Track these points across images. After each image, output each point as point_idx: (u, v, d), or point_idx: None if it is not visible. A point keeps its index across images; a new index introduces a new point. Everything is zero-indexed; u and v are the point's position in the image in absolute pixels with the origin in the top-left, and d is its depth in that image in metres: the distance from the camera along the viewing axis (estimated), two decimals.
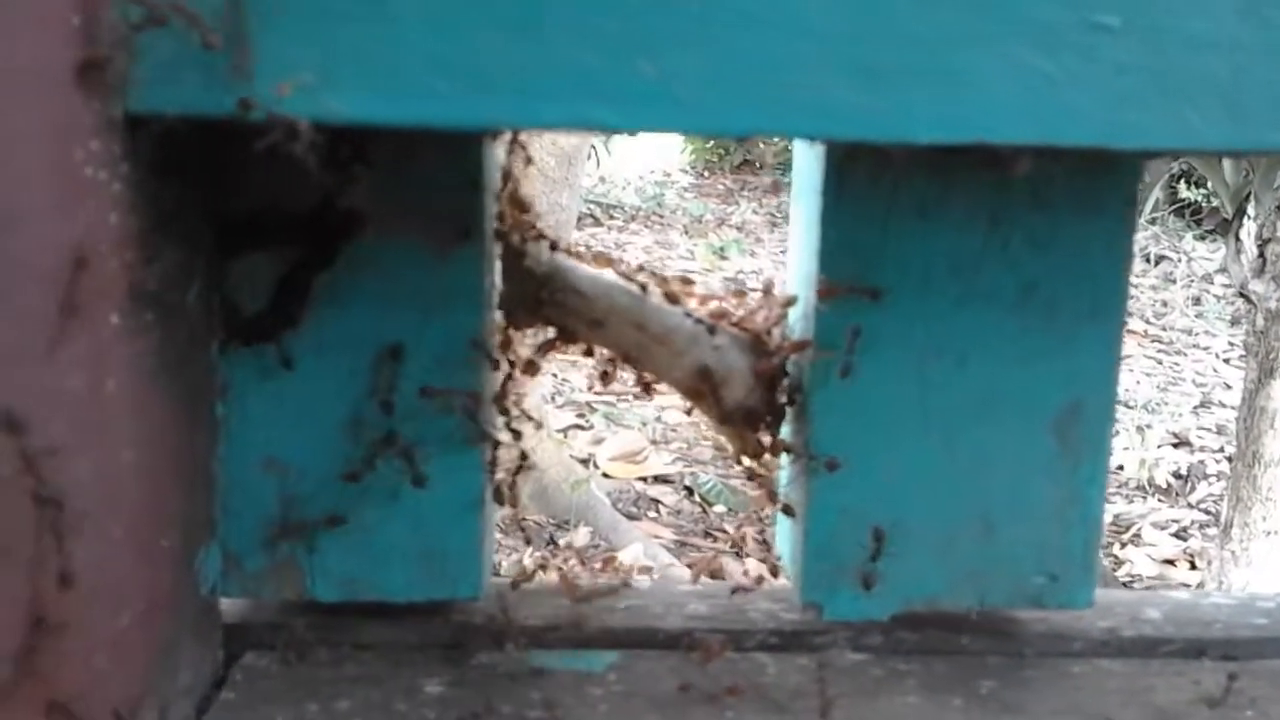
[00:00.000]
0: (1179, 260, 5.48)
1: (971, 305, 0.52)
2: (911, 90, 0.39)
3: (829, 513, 0.54)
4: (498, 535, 2.62)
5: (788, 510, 0.55)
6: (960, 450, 0.54)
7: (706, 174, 6.81)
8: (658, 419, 3.31)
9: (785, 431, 0.57)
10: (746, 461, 0.57)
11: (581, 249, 0.58)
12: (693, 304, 0.57)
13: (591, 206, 5.64)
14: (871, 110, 0.39)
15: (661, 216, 5.88)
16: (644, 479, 3.07)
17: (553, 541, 2.71)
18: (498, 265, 0.54)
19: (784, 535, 0.59)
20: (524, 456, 0.56)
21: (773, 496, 0.56)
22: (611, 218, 5.73)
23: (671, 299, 0.55)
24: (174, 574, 0.45)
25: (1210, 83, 0.40)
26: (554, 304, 0.55)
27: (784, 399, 0.56)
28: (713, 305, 0.57)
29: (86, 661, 0.38)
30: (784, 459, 0.57)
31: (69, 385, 0.36)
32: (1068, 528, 0.55)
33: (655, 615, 0.56)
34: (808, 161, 0.54)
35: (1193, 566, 2.86)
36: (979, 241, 0.51)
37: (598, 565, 0.61)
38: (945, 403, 0.53)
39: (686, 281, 0.56)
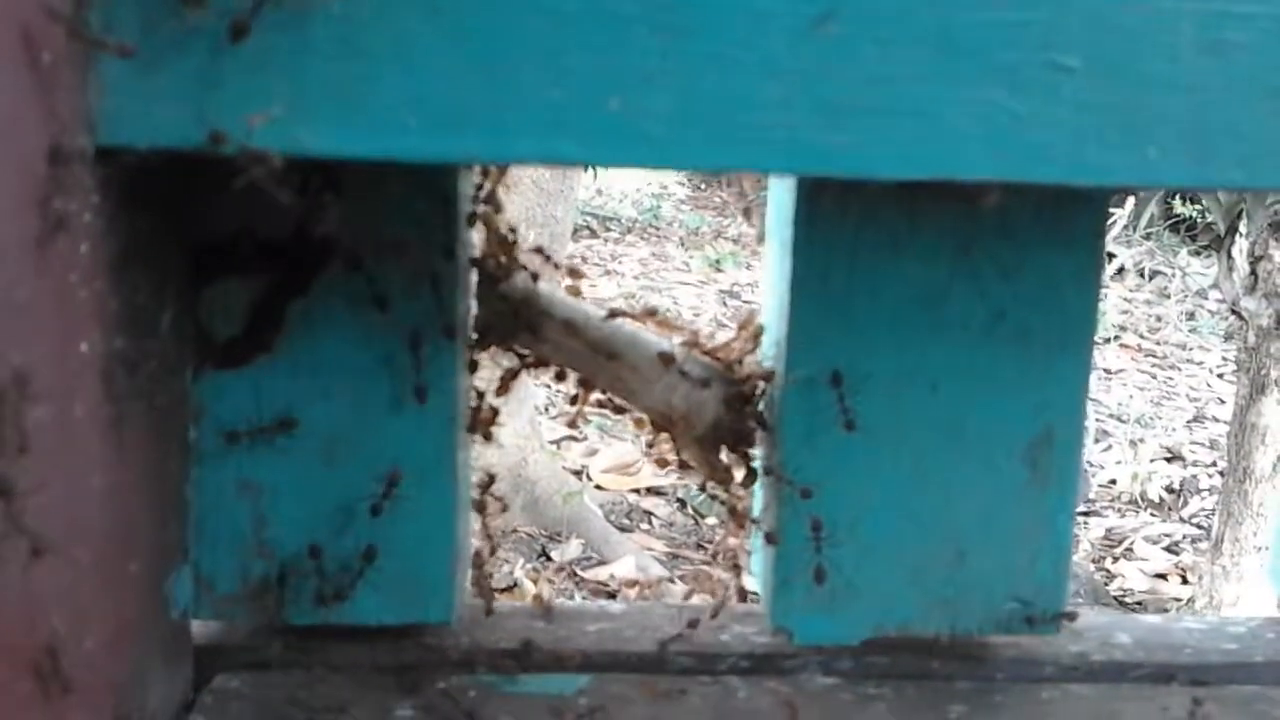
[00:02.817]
0: (1173, 275, 5.49)
1: (942, 334, 0.52)
2: (878, 128, 0.40)
3: (799, 538, 0.54)
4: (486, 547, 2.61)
5: (770, 539, 0.55)
6: (931, 477, 0.54)
7: (703, 186, 6.83)
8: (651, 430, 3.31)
9: (757, 459, 0.57)
10: (713, 488, 0.57)
11: (576, 260, 0.59)
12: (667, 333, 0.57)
13: (588, 218, 5.65)
14: (839, 147, 0.40)
15: (658, 229, 5.89)
16: (637, 491, 3.07)
17: (544, 554, 2.70)
18: (473, 290, 0.55)
19: (756, 560, 0.59)
20: (492, 479, 0.56)
21: (739, 521, 0.57)
22: (608, 230, 5.74)
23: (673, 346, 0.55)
24: (143, 598, 0.45)
25: (1171, 121, 0.41)
26: (527, 329, 0.56)
27: (753, 428, 0.56)
28: (685, 334, 0.57)
29: (51, 688, 0.38)
30: (757, 486, 0.57)
31: (36, 413, 0.36)
32: (1038, 554, 0.55)
33: (627, 638, 0.56)
34: (780, 192, 0.55)
35: (1184, 581, 2.87)
36: (949, 271, 0.52)
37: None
38: (916, 430, 0.53)
39: (651, 313, 0.57)
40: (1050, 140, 0.40)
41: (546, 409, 3.33)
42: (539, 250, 0.55)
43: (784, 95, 0.39)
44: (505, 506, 0.58)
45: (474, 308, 0.55)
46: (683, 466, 0.60)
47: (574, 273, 0.58)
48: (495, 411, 0.56)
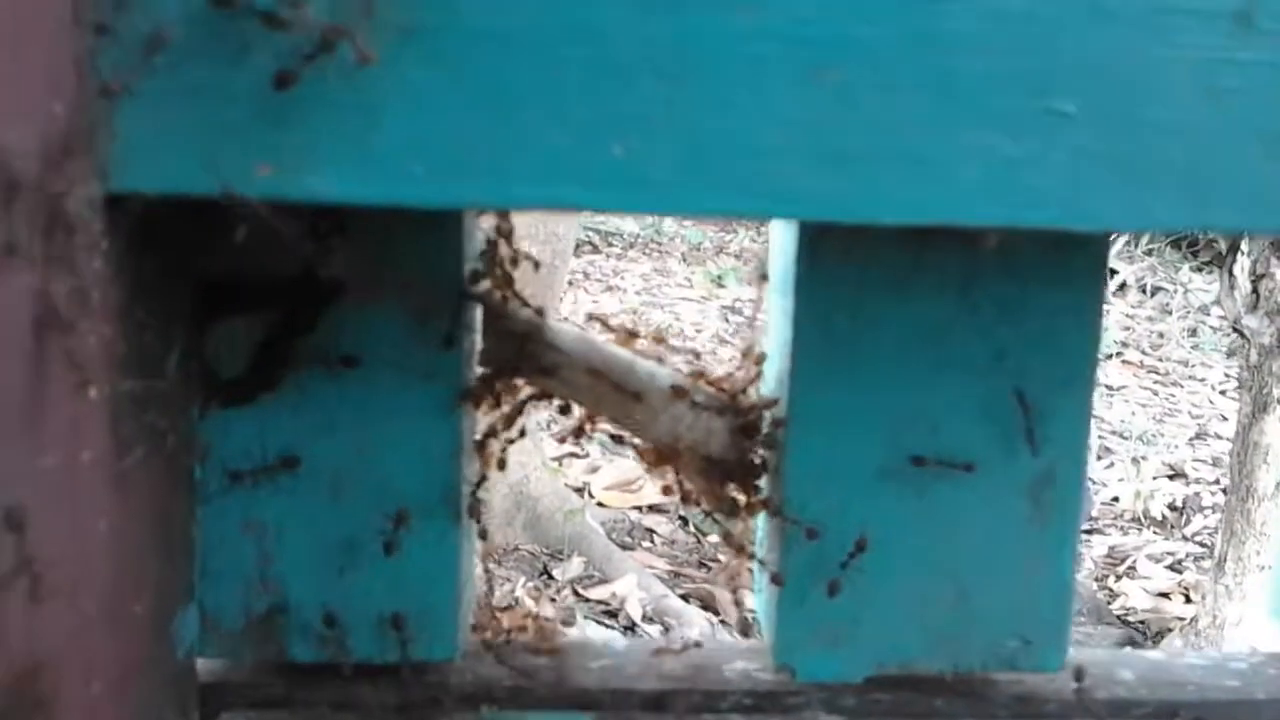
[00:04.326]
0: (1175, 292, 5.50)
1: (944, 373, 0.53)
2: (878, 174, 0.40)
3: (803, 575, 0.54)
4: (489, 565, 2.61)
5: (776, 579, 0.55)
6: (934, 515, 0.54)
7: None
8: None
9: (763, 490, 0.57)
10: (720, 519, 0.57)
11: (578, 276, 0.59)
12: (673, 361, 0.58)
13: (590, 234, 5.66)
14: (839, 193, 0.40)
15: (659, 244, 5.90)
16: (639, 508, 3.06)
17: (546, 572, 2.70)
18: (478, 326, 0.55)
19: (759, 596, 0.59)
20: (482, 477, 0.56)
21: (743, 551, 0.57)
22: (610, 245, 5.75)
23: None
24: (149, 639, 0.45)
25: (1168, 166, 0.41)
26: (532, 362, 0.56)
27: (759, 459, 0.56)
28: (690, 364, 0.58)
29: None
30: (760, 520, 0.57)
31: (44, 461, 0.37)
32: (1040, 591, 0.55)
33: (630, 676, 0.56)
34: (781, 230, 0.55)
35: (1187, 600, 2.86)
36: (950, 310, 0.52)
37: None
38: (919, 468, 0.53)
39: (633, 335, 0.57)
40: (1048, 185, 0.41)
41: (549, 425, 3.33)
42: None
43: (785, 142, 0.40)
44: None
45: (479, 342, 0.55)
46: (685, 500, 0.60)
47: (539, 312, 0.58)
48: (504, 453, 0.56)
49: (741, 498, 0.57)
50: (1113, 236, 0.55)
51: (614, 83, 0.39)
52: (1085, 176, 0.41)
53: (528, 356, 0.56)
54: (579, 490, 3.08)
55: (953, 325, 0.52)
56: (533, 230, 2.68)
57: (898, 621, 0.55)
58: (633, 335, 0.59)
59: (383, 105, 0.39)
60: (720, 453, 0.56)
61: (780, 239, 0.55)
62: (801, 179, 0.40)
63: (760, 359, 0.57)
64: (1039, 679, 0.57)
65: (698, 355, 0.59)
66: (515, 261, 0.57)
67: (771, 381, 0.56)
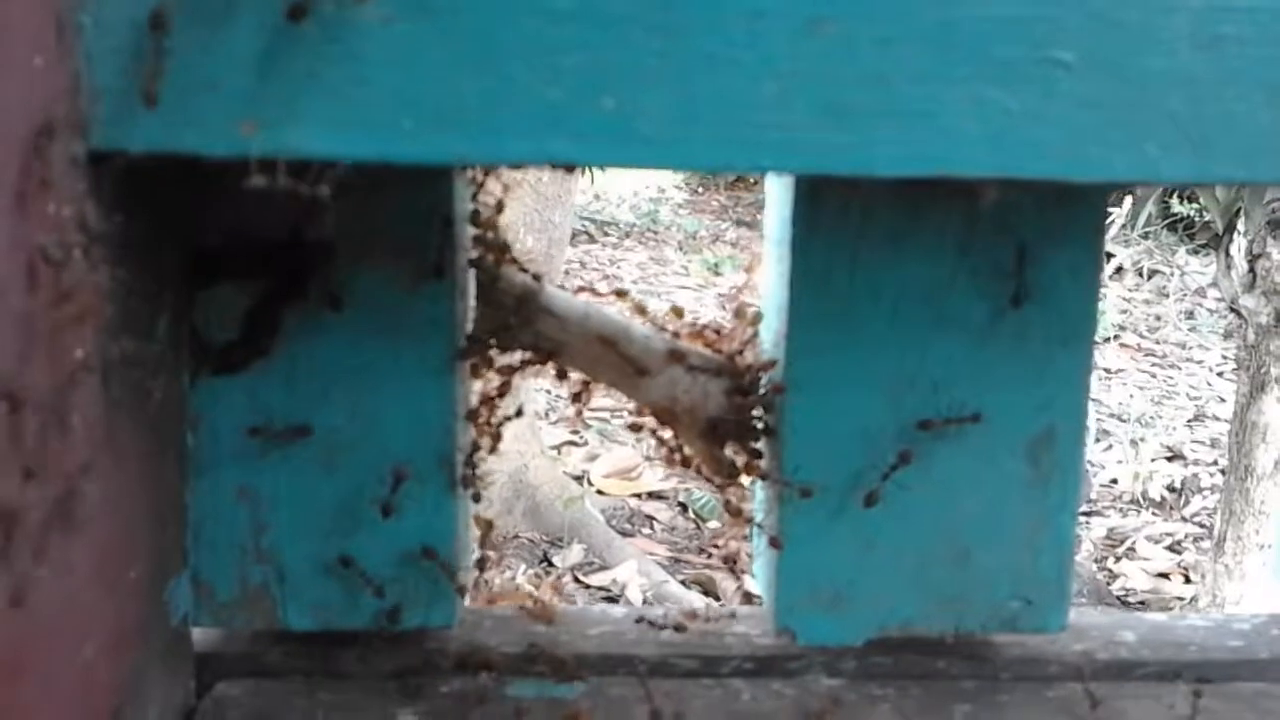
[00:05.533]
0: (1172, 274, 5.49)
1: (943, 332, 0.52)
2: (875, 126, 0.40)
3: (802, 538, 0.54)
4: (489, 553, 2.61)
5: (775, 543, 0.55)
6: (933, 475, 0.54)
7: (701, 190, 6.83)
8: (653, 434, 3.30)
9: (759, 454, 0.57)
10: (719, 484, 0.57)
11: (574, 265, 0.59)
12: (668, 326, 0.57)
13: (586, 223, 5.65)
14: (836, 146, 0.40)
15: (656, 233, 5.89)
16: (638, 495, 3.06)
17: (546, 559, 2.70)
18: (471, 292, 0.55)
19: (759, 561, 0.59)
20: (477, 447, 0.56)
21: (740, 515, 0.57)
22: (606, 234, 5.74)
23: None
24: (142, 605, 0.45)
25: (1168, 116, 0.40)
26: (528, 327, 0.56)
27: (757, 420, 0.56)
28: (687, 327, 0.57)
29: (50, 695, 0.38)
30: (758, 485, 0.57)
31: (34, 422, 0.36)
32: (1041, 552, 0.55)
33: (629, 642, 0.56)
34: (779, 191, 0.54)
35: (1187, 580, 2.86)
36: (949, 269, 0.52)
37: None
38: (919, 429, 0.53)
39: (621, 294, 0.57)
40: (1048, 136, 0.40)
41: (546, 414, 3.33)
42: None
43: (782, 95, 0.39)
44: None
45: (473, 308, 0.55)
46: (685, 464, 0.59)
47: (536, 277, 0.57)
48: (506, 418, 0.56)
49: (740, 459, 0.56)
50: (1109, 218, 0.54)
51: (605, 34, 0.39)
52: (1085, 127, 0.40)
53: (523, 320, 0.55)
54: (578, 478, 3.07)
55: (952, 284, 0.52)
56: (528, 219, 2.67)
57: (899, 583, 0.54)
58: (620, 295, 0.58)
59: (369, 58, 0.38)
60: (717, 414, 0.55)
61: (776, 199, 0.55)
62: (799, 132, 0.40)
63: (756, 319, 0.57)
64: (1040, 640, 0.57)
65: (719, 332, 0.58)
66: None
67: (768, 344, 0.56)
